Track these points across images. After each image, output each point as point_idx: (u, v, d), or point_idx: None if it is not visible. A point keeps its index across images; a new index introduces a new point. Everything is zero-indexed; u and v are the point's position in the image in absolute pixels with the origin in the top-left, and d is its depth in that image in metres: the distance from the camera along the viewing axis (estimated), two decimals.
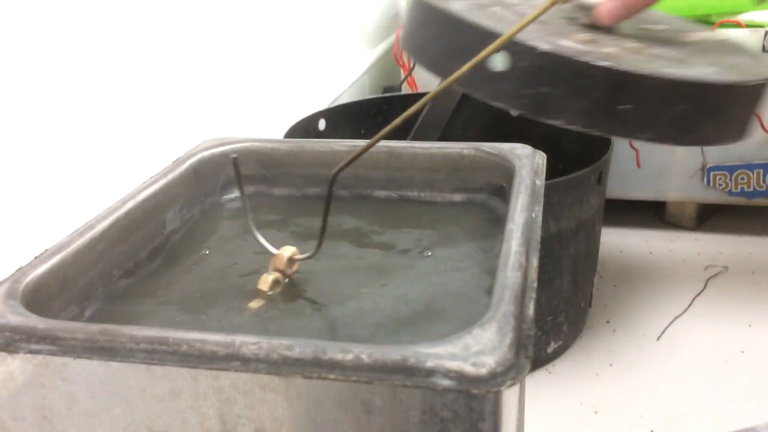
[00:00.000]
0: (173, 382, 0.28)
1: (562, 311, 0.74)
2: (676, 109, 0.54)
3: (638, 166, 0.93)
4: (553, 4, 0.28)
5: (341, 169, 0.36)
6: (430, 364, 0.25)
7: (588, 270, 0.77)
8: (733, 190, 0.93)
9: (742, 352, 0.75)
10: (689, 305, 0.82)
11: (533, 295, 0.30)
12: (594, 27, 0.61)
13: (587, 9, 0.62)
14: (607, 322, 0.81)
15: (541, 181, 0.40)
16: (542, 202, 0.38)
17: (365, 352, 0.26)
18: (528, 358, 0.26)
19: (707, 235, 0.97)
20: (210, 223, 0.45)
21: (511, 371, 0.25)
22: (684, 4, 0.89)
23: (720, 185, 0.93)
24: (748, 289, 0.85)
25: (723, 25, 0.87)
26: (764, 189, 0.92)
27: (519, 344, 0.27)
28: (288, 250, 0.38)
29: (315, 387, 0.27)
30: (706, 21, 0.90)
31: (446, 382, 0.25)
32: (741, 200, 0.94)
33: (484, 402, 0.26)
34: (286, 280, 0.38)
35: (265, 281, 0.37)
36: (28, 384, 0.30)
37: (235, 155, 0.39)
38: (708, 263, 0.90)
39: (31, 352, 0.28)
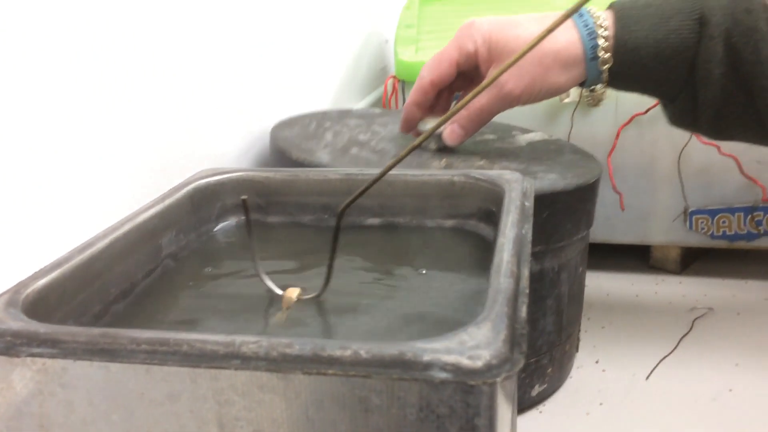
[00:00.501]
0: (172, 385, 0.29)
1: (546, 353, 0.74)
2: (537, 218, 0.65)
3: (622, 209, 0.95)
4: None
5: (347, 206, 0.37)
6: (427, 357, 0.26)
7: (572, 312, 0.77)
8: (716, 233, 0.95)
9: (730, 390, 0.75)
10: (676, 345, 0.83)
11: (525, 300, 0.31)
12: (441, 150, 0.70)
13: (435, 136, 0.72)
14: (596, 362, 0.81)
15: (530, 203, 0.41)
16: (531, 222, 0.39)
17: (363, 348, 0.27)
18: (522, 353, 0.27)
19: (692, 278, 0.98)
20: (205, 250, 0.46)
21: (506, 364, 0.26)
22: None
23: (702, 229, 0.95)
24: (734, 329, 0.86)
25: None
26: (745, 232, 0.94)
27: (513, 340, 0.27)
28: (294, 291, 0.40)
29: (313, 387, 0.27)
30: None
31: (443, 375, 0.26)
32: (723, 243, 0.96)
33: (480, 397, 0.26)
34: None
35: (281, 319, 0.38)
36: (26, 392, 0.30)
37: (245, 197, 0.40)
38: (693, 305, 0.91)
39: (32, 355, 0.29)
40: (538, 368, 0.74)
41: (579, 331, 0.80)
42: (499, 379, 0.25)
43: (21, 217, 0.42)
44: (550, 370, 0.76)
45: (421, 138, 0.34)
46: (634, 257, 1.04)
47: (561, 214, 0.69)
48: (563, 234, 0.70)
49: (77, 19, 0.49)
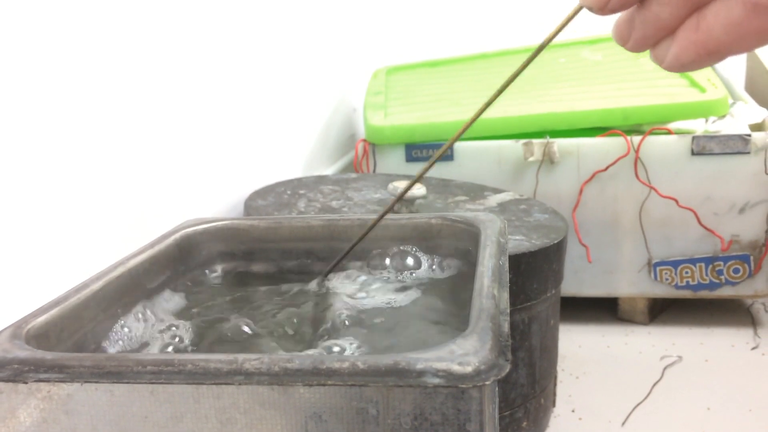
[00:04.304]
0: (175, 406, 0.30)
1: (520, 406, 0.75)
2: None
3: (589, 261, 0.98)
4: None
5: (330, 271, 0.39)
6: (420, 366, 0.28)
7: (545, 365, 0.78)
8: (679, 283, 0.98)
9: None
10: (649, 392, 0.85)
11: (506, 318, 0.33)
12: (413, 213, 0.72)
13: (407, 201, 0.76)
14: (573, 411, 0.83)
15: (505, 239, 0.44)
16: (507, 256, 0.42)
17: (360, 360, 0.28)
18: (507, 360, 0.29)
19: (659, 328, 1.01)
20: (191, 294, 0.47)
21: (494, 369, 0.28)
22: (617, 115, 0.98)
23: (666, 279, 0.98)
24: (704, 375, 0.88)
25: (654, 132, 0.96)
26: (707, 282, 0.98)
27: (498, 349, 0.29)
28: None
29: (312, 401, 0.29)
30: (638, 130, 0.98)
31: (436, 380, 0.27)
32: (688, 293, 0.99)
33: (470, 402, 0.28)
34: None
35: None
36: (30, 421, 0.31)
37: None
38: (663, 354, 0.94)
39: (39, 381, 0.30)
40: (512, 422, 0.75)
41: (555, 385, 0.81)
42: (488, 383, 0.27)
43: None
44: (525, 423, 0.77)
45: (393, 202, 0.36)
46: (603, 310, 1.06)
47: (526, 275, 0.71)
48: (530, 294, 0.72)
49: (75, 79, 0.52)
